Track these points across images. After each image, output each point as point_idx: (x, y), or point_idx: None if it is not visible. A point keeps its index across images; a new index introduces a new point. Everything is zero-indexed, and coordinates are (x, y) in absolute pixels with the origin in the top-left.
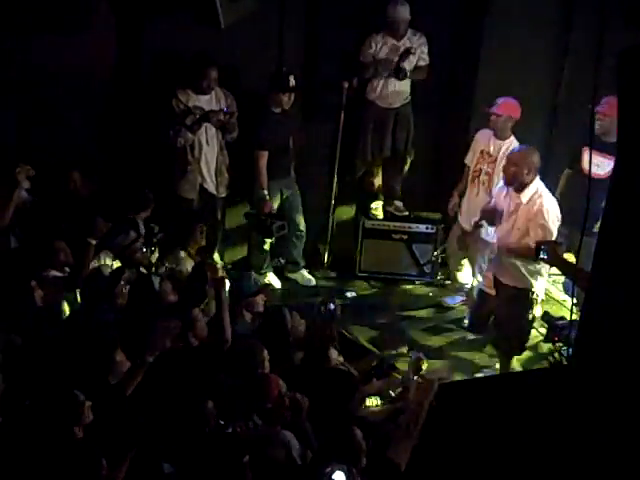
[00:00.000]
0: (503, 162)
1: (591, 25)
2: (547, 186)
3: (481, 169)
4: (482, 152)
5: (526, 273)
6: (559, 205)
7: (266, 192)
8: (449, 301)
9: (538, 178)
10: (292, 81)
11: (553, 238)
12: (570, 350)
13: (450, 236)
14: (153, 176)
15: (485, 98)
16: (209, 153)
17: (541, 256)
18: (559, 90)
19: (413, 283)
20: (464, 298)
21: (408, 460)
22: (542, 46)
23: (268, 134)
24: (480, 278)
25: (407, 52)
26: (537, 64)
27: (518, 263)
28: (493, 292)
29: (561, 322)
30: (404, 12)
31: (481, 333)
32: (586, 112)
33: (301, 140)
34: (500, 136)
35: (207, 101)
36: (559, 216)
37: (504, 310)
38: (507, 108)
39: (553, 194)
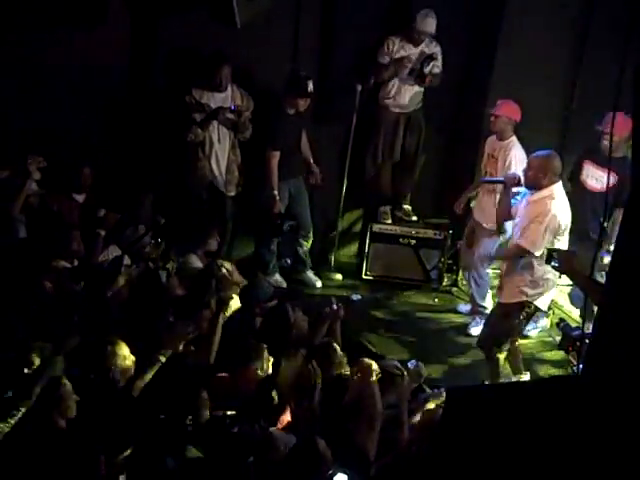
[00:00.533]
0: (506, 163)
1: (608, 36)
2: None
3: (488, 172)
4: (489, 155)
5: (525, 288)
6: None
7: (276, 192)
8: (461, 309)
9: (559, 183)
10: (310, 86)
11: (542, 244)
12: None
13: (466, 233)
14: (163, 171)
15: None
16: (220, 151)
17: (553, 263)
18: (573, 98)
19: (419, 288)
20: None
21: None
22: (557, 54)
23: (281, 134)
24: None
25: (430, 58)
26: (551, 72)
27: (520, 277)
28: None
29: (576, 332)
30: (432, 26)
31: None
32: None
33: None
34: (501, 137)
35: (222, 99)
36: (564, 225)
37: (495, 321)
38: (505, 109)
39: None
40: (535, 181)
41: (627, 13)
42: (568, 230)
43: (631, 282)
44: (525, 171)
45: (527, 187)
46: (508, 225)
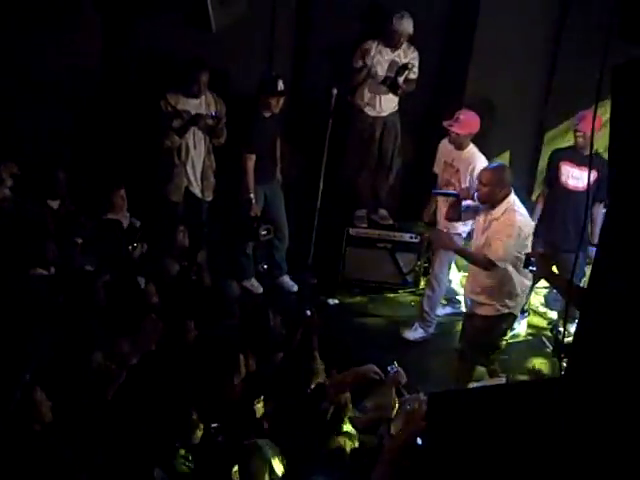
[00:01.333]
0: (468, 173)
1: (583, 36)
2: (530, 199)
3: (448, 179)
4: (445, 163)
5: (499, 296)
6: (538, 227)
7: (252, 195)
8: (439, 312)
9: (512, 194)
10: (280, 85)
11: (508, 258)
12: None
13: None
14: (138, 178)
15: (472, 109)
16: (196, 157)
17: (530, 267)
18: (547, 99)
19: (396, 292)
20: (454, 310)
21: None
22: (532, 54)
23: (257, 138)
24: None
25: (404, 68)
26: (526, 72)
27: (500, 290)
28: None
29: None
30: (408, 26)
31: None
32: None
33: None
34: (459, 147)
35: (196, 105)
36: (528, 233)
37: (476, 336)
38: (468, 126)
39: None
40: (491, 196)
41: (605, 12)
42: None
43: (614, 284)
44: (478, 187)
45: (482, 202)
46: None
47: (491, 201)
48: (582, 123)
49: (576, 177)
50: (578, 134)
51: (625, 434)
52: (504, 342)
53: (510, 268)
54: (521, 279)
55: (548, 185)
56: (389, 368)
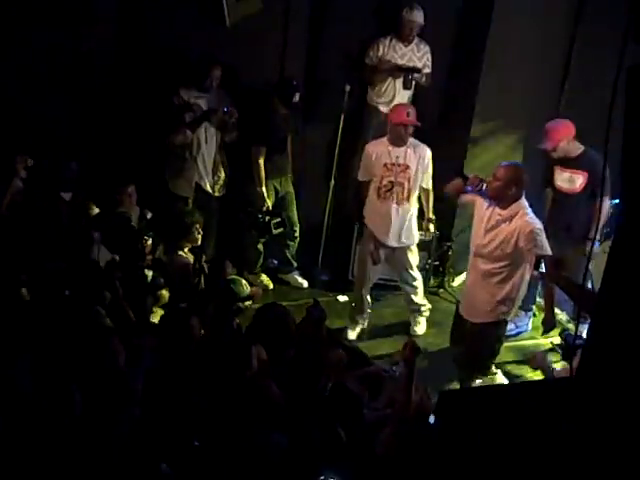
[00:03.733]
0: (418, 164)
1: (597, 39)
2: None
3: (392, 182)
4: (385, 165)
5: (503, 307)
6: (548, 223)
7: (264, 189)
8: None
9: (523, 197)
10: (296, 98)
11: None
12: None
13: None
14: (149, 172)
15: (486, 105)
16: (207, 152)
17: (540, 270)
18: (560, 100)
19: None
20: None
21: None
22: (545, 56)
23: (268, 131)
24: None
25: (413, 70)
26: (539, 74)
27: (501, 295)
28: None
29: (579, 341)
30: (419, 16)
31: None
32: (586, 134)
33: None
34: (399, 144)
35: (209, 100)
36: (541, 230)
37: (474, 343)
38: (416, 115)
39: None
40: (502, 193)
41: (619, 15)
42: None
43: (626, 290)
44: (490, 182)
45: (490, 197)
46: None
47: (500, 198)
48: (547, 142)
49: (567, 179)
50: (551, 153)
51: (636, 436)
52: (501, 347)
53: (527, 276)
54: (525, 285)
55: (548, 186)
56: (394, 368)
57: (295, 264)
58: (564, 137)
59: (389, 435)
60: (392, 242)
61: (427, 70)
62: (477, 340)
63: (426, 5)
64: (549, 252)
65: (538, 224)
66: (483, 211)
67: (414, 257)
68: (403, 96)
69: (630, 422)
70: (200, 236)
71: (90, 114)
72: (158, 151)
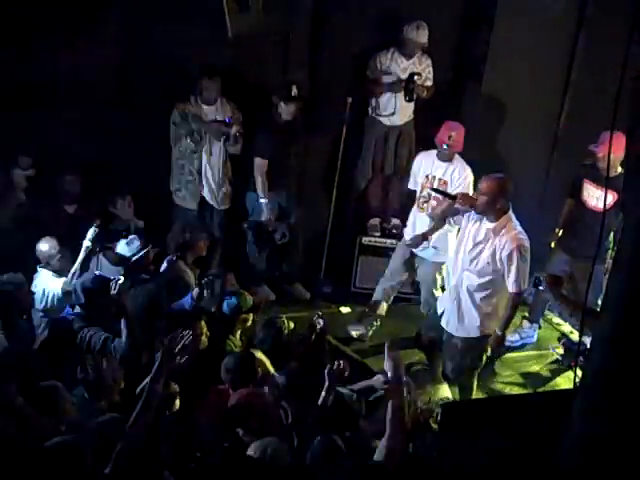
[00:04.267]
0: (458, 183)
1: (600, 47)
2: (542, 208)
3: (429, 194)
4: (427, 177)
5: (489, 322)
6: (562, 232)
7: (267, 200)
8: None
9: (511, 209)
10: (294, 90)
11: (523, 270)
12: None
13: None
14: (154, 184)
15: (488, 117)
16: (212, 165)
17: (539, 287)
18: (562, 111)
19: (409, 301)
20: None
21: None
22: (547, 65)
23: (270, 143)
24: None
25: (413, 75)
26: (541, 84)
27: (487, 310)
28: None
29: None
30: (423, 36)
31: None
32: (587, 142)
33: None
34: (447, 159)
35: (211, 111)
36: (527, 247)
37: (457, 359)
38: (459, 141)
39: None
40: (490, 206)
41: (625, 22)
42: None
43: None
44: (476, 195)
45: (478, 212)
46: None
47: (488, 212)
48: (600, 146)
49: (596, 197)
50: (598, 157)
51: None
52: (483, 361)
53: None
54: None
55: (571, 197)
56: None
57: (298, 276)
58: (618, 152)
59: (386, 446)
60: (419, 252)
61: (428, 83)
62: (466, 354)
63: (428, 14)
64: (526, 274)
65: (526, 241)
66: (470, 227)
67: (436, 275)
68: (404, 110)
69: (631, 435)
70: (206, 247)
71: (94, 127)
72: (163, 164)
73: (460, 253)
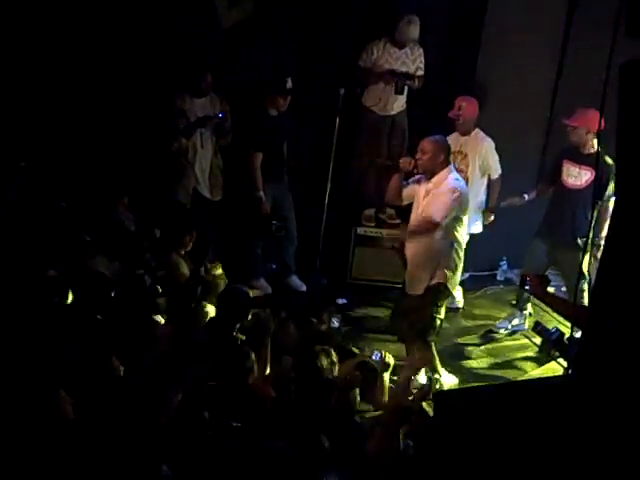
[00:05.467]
0: (477, 155)
1: (587, 38)
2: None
3: (457, 167)
4: (454, 153)
5: (435, 270)
6: (544, 222)
7: (262, 193)
8: None
9: (452, 166)
10: (289, 83)
11: (449, 209)
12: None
13: None
14: (147, 179)
15: (482, 106)
16: (203, 157)
17: (525, 287)
18: (554, 100)
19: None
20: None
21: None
22: (539, 55)
23: (264, 136)
24: None
25: (406, 76)
26: (533, 74)
27: (432, 264)
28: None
29: (555, 334)
30: (415, 32)
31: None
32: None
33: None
34: (465, 133)
35: (202, 104)
36: (467, 199)
37: (413, 314)
38: (472, 110)
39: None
40: (431, 164)
41: (610, 13)
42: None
43: (619, 289)
44: (419, 156)
45: (422, 171)
46: None
47: (431, 170)
48: (573, 118)
49: (574, 175)
50: (568, 128)
51: (630, 436)
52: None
53: (446, 240)
54: (455, 254)
55: (549, 182)
56: (374, 356)
57: (294, 268)
58: (591, 126)
59: (379, 438)
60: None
61: (420, 73)
62: (415, 309)
63: (419, 6)
64: (450, 211)
65: (461, 188)
66: (418, 190)
67: None
68: (396, 100)
69: (626, 422)
70: (191, 241)
71: (84, 121)
72: (155, 158)
73: (412, 219)
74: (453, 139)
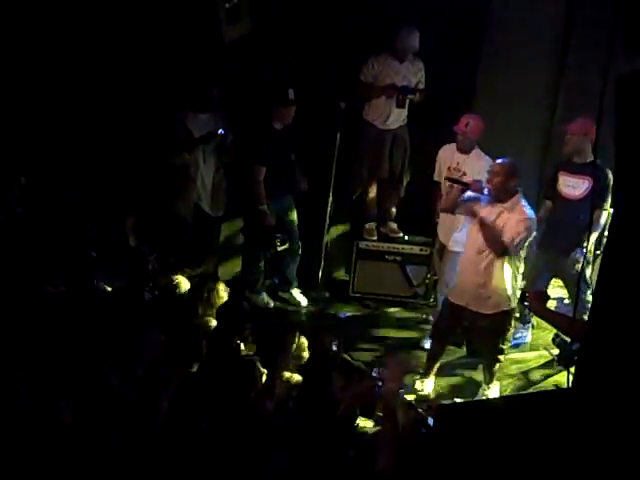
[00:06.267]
0: (476, 173)
1: (587, 51)
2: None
3: (451, 185)
4: (449, 168)
5: (509, 292)
6: (544, 234)
7: (265, 206)
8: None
9: (520, 191)
10: (291, 94)
11: (525, 238)
12: None
13: (433, 254)
14: (149, 194)
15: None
16: (205, 172)
17: (525, 303)
18: (554, 112)
19: (406, 305)
20: None
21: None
22: (539, 68)
23: (268, 150)
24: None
25: (407, 91)
26: (533, 86)
27: (505, 284)
28: (462, 303)
29: (574, 347)
30: (415, 42)
31: (442, 345)
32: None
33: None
34: (465, 151)
35: (205, 120)
36: (535, 228)
37: (486, 336)
38: (478, 129)
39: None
40: (503, 187)
41: (608, 25)
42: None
43: (620, 292)
44: (489, 179)
45: (493, 193)
46: None
47: (502, 193)
48: (572, 125)
49: (571, 185)
50: (566, 138)
51: (632, 445)
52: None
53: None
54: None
55: (545, 197)
56: (373, 372)
57: (295, 282)
58: (588, 134)
59: (385, 452)
60: (448, 244)
61: (421, 86)
62: (489, 330)
63: (420, 18)
64: (522, 240)
65: (532, 220)
66: (483, 211)
67: None
68: (398, 114)
69: (627, 433)
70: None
71: (87, 136)
72: (157, 173)
73: (473, 240)
74: (447, 154)
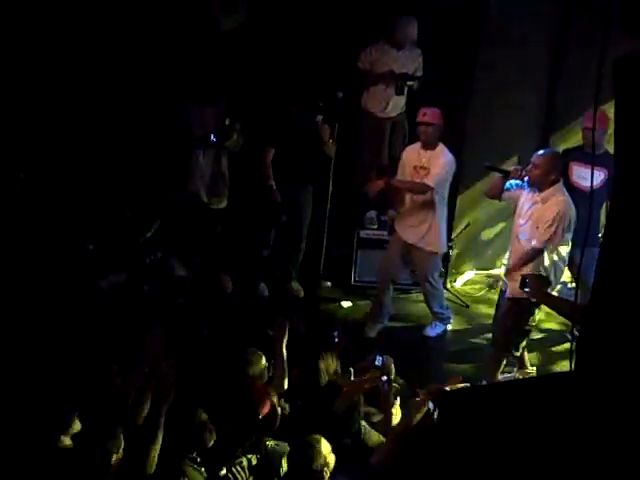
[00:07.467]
0: (443, 169)
1: (586, 33)
2: None
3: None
4: (415, 168)
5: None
6: None
7: (272, 183)
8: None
9: (561, 183)
10: (319, 119)
11: (555, 239)
12: None
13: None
14: (149, 184)
15: (480, 108)
16: (205, 164)
17: (525, 289)
18: (555, 100)
19: (408, 292)
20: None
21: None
22: (538, 54)
23: (277, 132)
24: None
25: (406, 78)
26: (533, 74)
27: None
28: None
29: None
30: (413, 32)
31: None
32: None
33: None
34: (430, 147)
35: (211, 114)
36: (571, 220)
37: (510, 320)
38: (435, 116)
39: None
40: (543, 180)
41: (607, 8)
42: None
43: (618, 281)
44: (530, 169)
45: (532, 184)
46: None
47: (541, 184)
48: (588, 119)
49: (585, 177)
50: (585, 131)
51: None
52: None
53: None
54: (553, 261)
55: None
56: (377, 362)
57: (296, 275)
58: (604, 127)
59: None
60: (411, 240)
61: (419, 73)
62: (513, 315)
63: (417, 8)
64: (555, 235)
65: (569, 209)
66: (523, 199)
67: (434, 264)
68: (397, 102)
69: (630, 418)
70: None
71: (88, 126)
72: (157, 163)
73: (517, 219)
74: (410, 155)
